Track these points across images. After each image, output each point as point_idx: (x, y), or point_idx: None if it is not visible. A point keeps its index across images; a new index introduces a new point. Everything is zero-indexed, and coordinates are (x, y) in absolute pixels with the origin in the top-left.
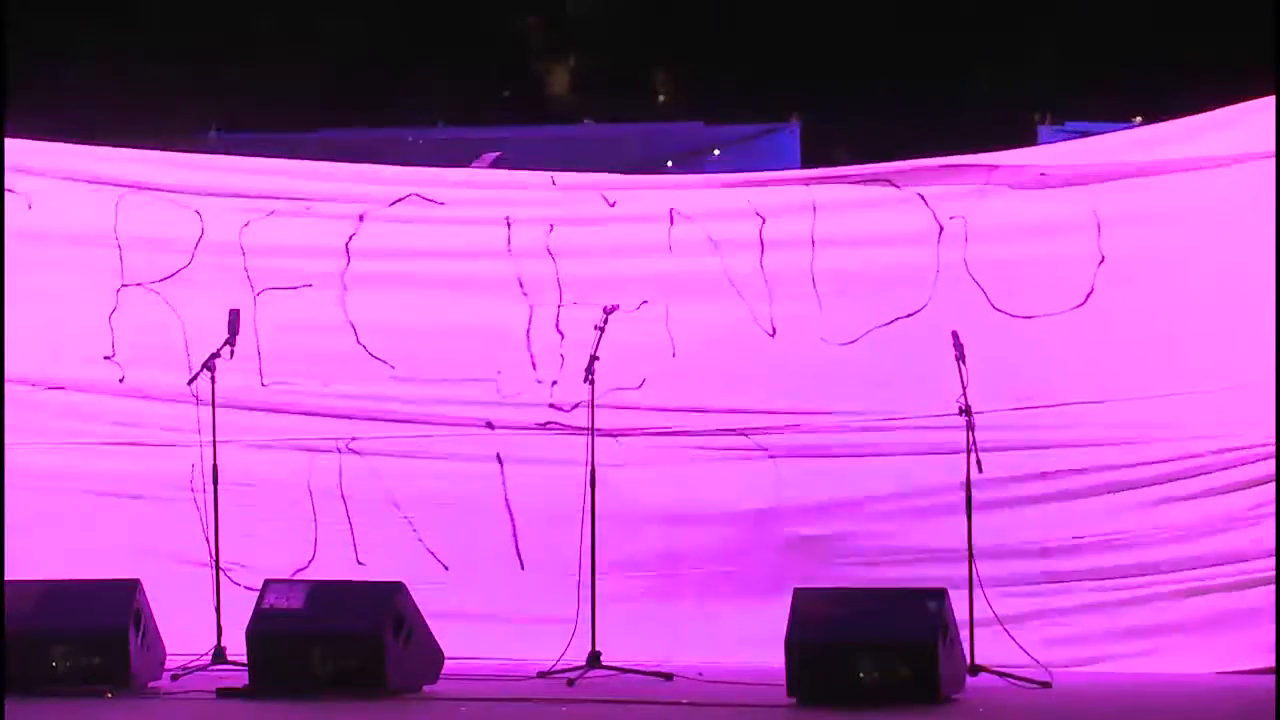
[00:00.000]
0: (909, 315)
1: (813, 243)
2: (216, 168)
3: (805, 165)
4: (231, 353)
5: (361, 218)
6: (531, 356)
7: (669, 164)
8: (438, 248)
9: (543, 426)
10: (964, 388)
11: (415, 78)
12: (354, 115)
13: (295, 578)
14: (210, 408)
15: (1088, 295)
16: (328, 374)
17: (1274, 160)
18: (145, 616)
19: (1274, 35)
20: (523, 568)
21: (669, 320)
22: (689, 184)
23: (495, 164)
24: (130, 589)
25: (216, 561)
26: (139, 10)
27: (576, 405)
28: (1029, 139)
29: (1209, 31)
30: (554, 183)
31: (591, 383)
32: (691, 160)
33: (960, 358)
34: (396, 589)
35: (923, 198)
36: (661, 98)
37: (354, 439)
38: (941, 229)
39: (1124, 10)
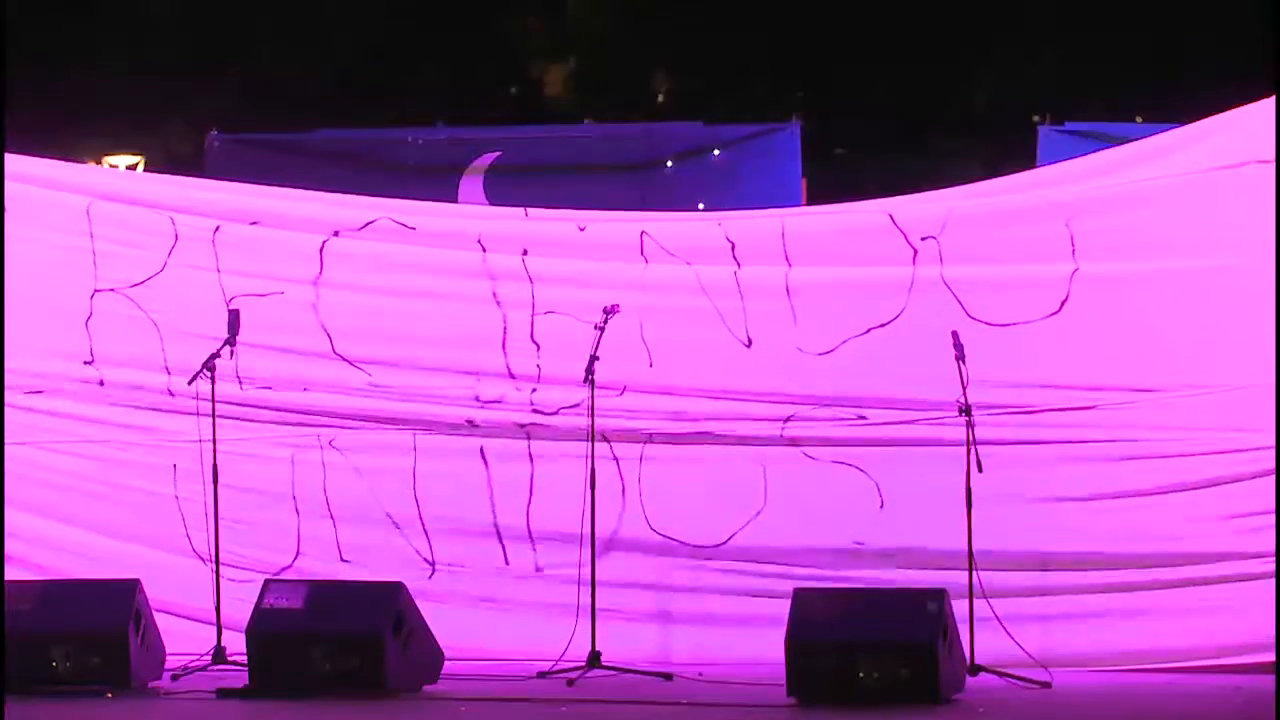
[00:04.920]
0: (883, 325)
1: (786, 258)
2: (189, 186)
3: (805, 165)
4: (232, 353)
5: (336, 233)
6: (508, 365)
7: (669, 164)
8: (410, 263)
9: (524, 428)
10: (964, 387)
11: (415, 78)
12: (354, 115)
13: (282, 577)
14: (207, 411)
15: (1063, 303)
16: (305, 379)
17: (1229, 171)
18: (145, 616)
19: (1274, 35)
20: (507, 564)
21: (643, 331)
22: (661, 217)
23: (495, 164)
24: (130, 589)
25: (216, 562)
26: (139, 11)
27: (558, 410)
28: (1029, 139)
29: (1209, 31)
30: (526, 215)
31: (592, 383)
32: (691, 160)
33: (960, 357)
34: (396, 589)
35: (893, 218)
36: (661, 98)
37: (335, 439)
38: (916, 251)
39: (1124, 11)
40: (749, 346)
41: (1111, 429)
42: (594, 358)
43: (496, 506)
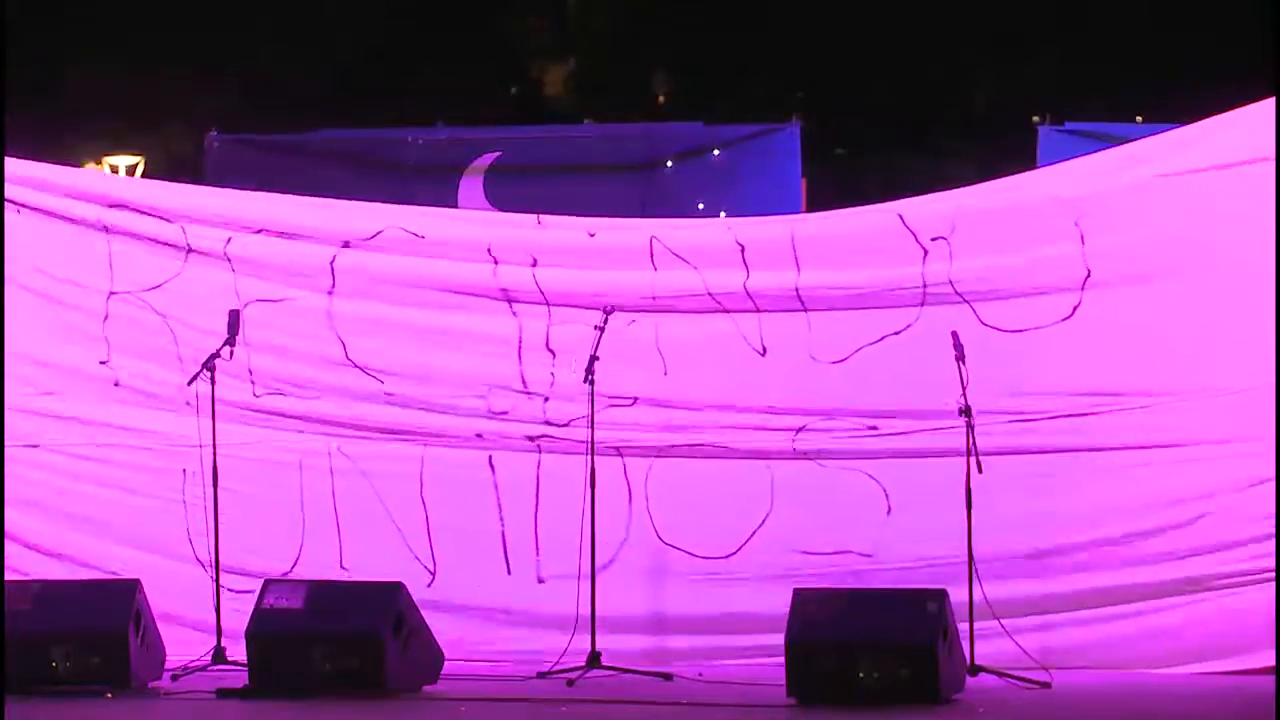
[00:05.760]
0: (897, 333)
1: (796, 261)
2: (200, 195)
3: (805, 165)
4: (231, 353)
5: (346, 244)
6: (522, 374)
7: (669, 164)
8: (423, 274)
9: (534, 440)
10: (964, 387)
11: (415, 78)
12: (354, 115)
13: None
14: (209, 412)
15: (1074, 308)
16: (319, 385)
17: (1231, 169)
18: (145, 616)
19: (1274, 35)
20: (509, 573)
21: (658, 340)
22: (671, 223)
23: (495, 164)
24: (130, 589)
25: (216, 564)
26: (139, 12)
27: (571, 421)
28: (1029, 139)
29: (1209, 31)
30: (539, 222)
31: (591, 382)
32: (691, 160)
33: (960, 358)
34: (396, 589)
35: (902, 218)
36: (661, 98)
37: (343, 443)
38: (926, 252)
39: (1124, 11)
40: (764, 355)
41: (1124, 433)
42: (594, 358)
43: (504, 516)
